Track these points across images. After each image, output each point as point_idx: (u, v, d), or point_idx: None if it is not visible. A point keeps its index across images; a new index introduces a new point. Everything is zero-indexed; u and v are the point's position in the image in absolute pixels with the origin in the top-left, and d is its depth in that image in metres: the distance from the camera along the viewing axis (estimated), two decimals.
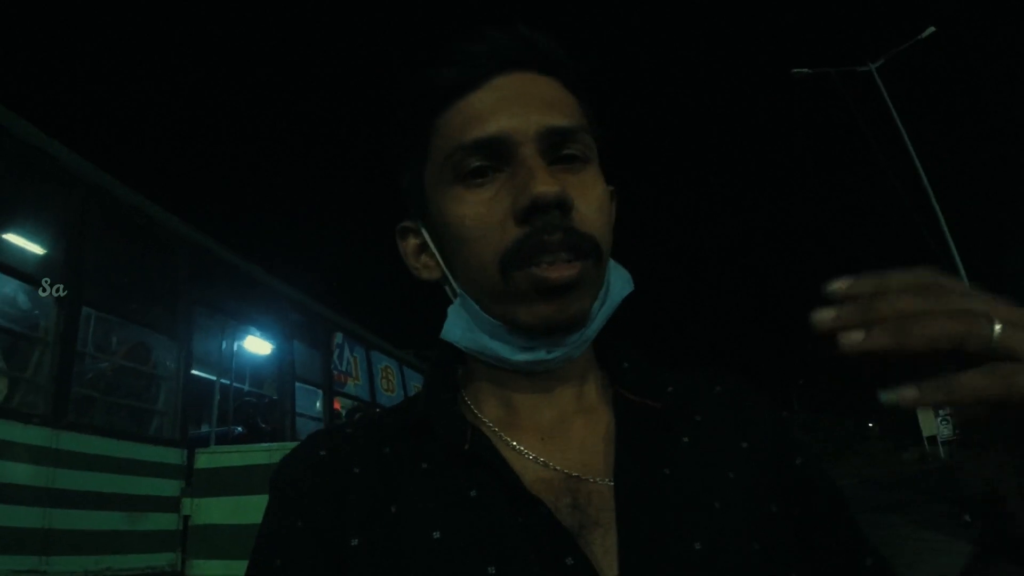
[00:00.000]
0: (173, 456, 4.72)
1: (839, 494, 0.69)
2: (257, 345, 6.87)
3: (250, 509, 4.43)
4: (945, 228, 15.48)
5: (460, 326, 0.69)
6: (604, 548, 0.58)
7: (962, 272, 15.21)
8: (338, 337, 7.61)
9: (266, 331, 6.56)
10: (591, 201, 0.64)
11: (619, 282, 0.71)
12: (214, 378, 6.14)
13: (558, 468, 0.64)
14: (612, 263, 0.69)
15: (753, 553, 0.59)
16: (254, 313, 6.38)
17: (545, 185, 0.59)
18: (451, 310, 0.70)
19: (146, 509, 4.37)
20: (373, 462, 0.65)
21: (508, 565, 0.56)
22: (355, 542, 0.59)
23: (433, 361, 0.74)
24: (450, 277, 0.69)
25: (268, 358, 6.96)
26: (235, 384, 6.71)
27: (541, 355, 0.66)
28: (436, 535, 0.58)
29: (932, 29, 16.05)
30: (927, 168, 15.79)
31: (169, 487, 4.60)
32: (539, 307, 0.62)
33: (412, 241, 0.73)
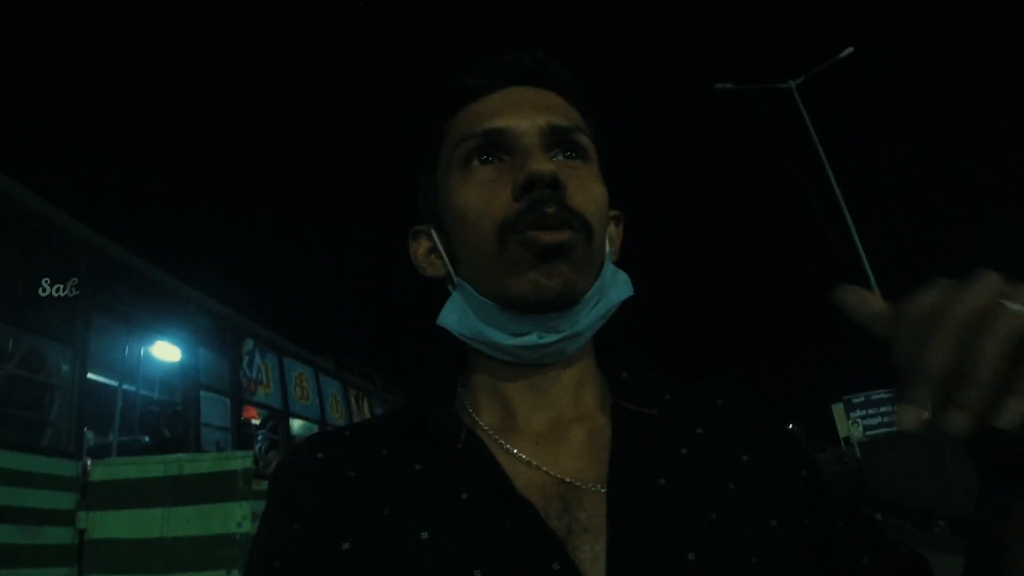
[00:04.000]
0: (67, 468, 4.54)
1: (849, 502, 0.69)
2: (166, 352, 6.65)
3: (147, 523, 4.33)
4: (858, 241, 15.98)
5: (456, 312, 0.71)
6: (593, 554, 0.57)
7: (873, 284, 15.79)
8: (248, 343, 7.39)
9: (171, 337, 6.35)
10: (585, 191, 0.67)
11: (618, 285, 0.72)
12: (116, 384, 5.87)
13: (551, 473, 0.64)
14: (612, 267, 0.73)
15: (750, 566, 0.58)
16: (157, 318, 6.17)
17: (540, 164, 0.64)
18: (450, 299, 0.73)
19: (40, 523, 4.21)
20: (369, 465, 0.65)
21: (494, 568, 0.56)
22: (346, 546, 0.60)
23: (435, 360, 0.76)
24: (451, 270, 0.72)
25: (176, 365, 6.74)
26: (143, 392, 6.48)
27: (533, 339, 0.66)
28: (424, 536, 0.58)
29: (851, 50, 16.58)
30: (842, 183, 16.30)
31: (63, 500, 4.42)
32: (530, 274, 0.63)
33: (424, 244, 0.77)
